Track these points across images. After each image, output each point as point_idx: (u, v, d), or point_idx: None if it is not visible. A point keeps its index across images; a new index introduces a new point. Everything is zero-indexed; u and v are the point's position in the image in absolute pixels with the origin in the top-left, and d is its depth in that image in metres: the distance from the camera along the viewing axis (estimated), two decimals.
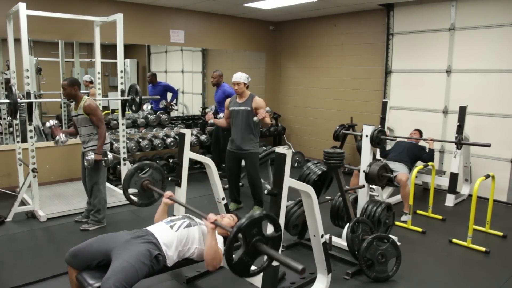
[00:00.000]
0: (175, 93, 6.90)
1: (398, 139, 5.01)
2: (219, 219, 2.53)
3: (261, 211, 1.79)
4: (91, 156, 3.68)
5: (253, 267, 1.81)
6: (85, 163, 3.72)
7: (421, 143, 4.91)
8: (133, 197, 2.83)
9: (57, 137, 3.71)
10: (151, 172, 2.89)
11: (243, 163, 4.39)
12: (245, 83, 4.19)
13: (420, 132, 5.01)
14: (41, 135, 6.03)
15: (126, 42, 4.93)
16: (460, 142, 4.56)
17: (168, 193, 2.69)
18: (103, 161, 3.77)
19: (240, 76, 4.17)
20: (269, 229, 1.92)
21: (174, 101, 7.01)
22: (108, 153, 3.81)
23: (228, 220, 2.59)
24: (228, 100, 4.40)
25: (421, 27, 5.64)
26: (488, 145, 4.20)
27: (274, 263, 2.26)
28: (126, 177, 2.80)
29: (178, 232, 2.38)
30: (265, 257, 1.87)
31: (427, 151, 4.66)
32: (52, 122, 3.79)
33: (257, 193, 4.33)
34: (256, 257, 1.76)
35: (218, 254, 2.27)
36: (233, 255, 1.72)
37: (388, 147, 5.14)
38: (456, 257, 3.52)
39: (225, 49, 7.27)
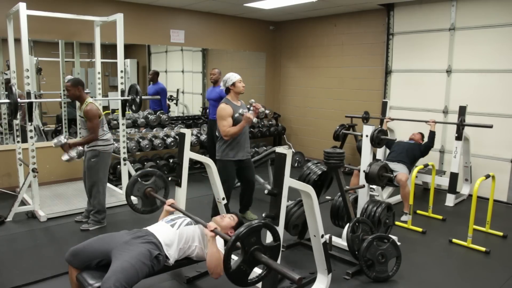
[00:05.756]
0: (163, 98, 6.70)
1: (398, 140, 5.02)
2: (219, 220, 2.54)
3: (260, 219, 1.78)
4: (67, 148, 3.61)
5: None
6: (54, 143, 3.63)
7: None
8: (135, 204, 2.87)
9: (64, 156, 3.62)
10: (154, 180, 2.91)
11: None
12: None
13: (422, 135, 4.99)
14: (41, 135, 6.04)
15: (126, 42, 4.92)
16: (462, 124, 4.63)
17: (170, 200, 2.72)
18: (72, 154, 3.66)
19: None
20: (268, 238, 1.90)
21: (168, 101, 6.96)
22: (74, 154, 3.67)
23: (229, 220, 2.59)
24: (227, 107, 3.72)
25: (421, 27, 5.64)
26: (490, 126, 4.46)
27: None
28: (129, 184, 2.82)
29: (178, 230, 2.39)
30: (263, 266, 1.87)
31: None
32: (62, 138, 3.62)
33: (252, 196, 4.19)
34: (254, 266, 1.75)
35: (221, 262, 2.27)
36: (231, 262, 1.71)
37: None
38: (456, 257, 3.52)
39: (225, 49, 7.27)
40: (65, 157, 3.64)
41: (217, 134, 3.99)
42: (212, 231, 2.24)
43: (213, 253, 2.25)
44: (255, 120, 3.66)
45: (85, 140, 3.72)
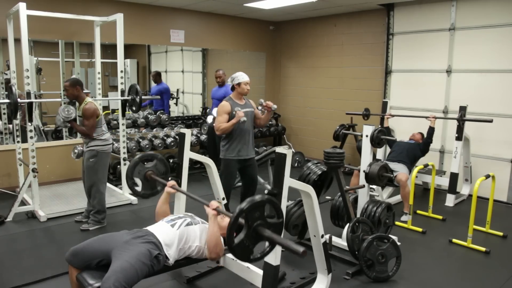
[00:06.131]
0: (166, 98, 6.76)
1: (398, 140, 5.02)
2: (219, 220, 2.54)
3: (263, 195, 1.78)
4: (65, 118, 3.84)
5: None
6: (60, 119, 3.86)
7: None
8: (136, 187, 2.84)
9: (58, 119, 3.84)
10: (155, 163, 2.89)
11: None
12: None
13: (422, 135, 4.99)
14: (41, 135, 6.04)
15: (126, 42, 4.93)
16: (462, 119, 4.65)
17: (171, 182, 2.69)
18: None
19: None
20: None
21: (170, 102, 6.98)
22: (66, 126, 3.98)
23: (229, 220, 2.59)
24: (225, 104, 3.74)
25: (421, 27, 5.64)
26: (490, 121, 4.48)
27: (275, 263, 2.27)
28: (130, 166, 2.79)
29: (179, 230, 2.38)
30: (266, 244, 1.86)
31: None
32: (71, 113, 3.86)
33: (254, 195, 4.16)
34: (257, 242, 1.75)
35: (220, 241, 2.28)
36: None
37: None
38: (456, 257, 3.52)
39: (225, 49, 7.27)
40: (59, 119, 3.87)
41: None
42: (214, 209, 2.24)
43: (214, 232, 2.26)
44: (243, 119, 3.69)
45: (79, 128, 3.78)
